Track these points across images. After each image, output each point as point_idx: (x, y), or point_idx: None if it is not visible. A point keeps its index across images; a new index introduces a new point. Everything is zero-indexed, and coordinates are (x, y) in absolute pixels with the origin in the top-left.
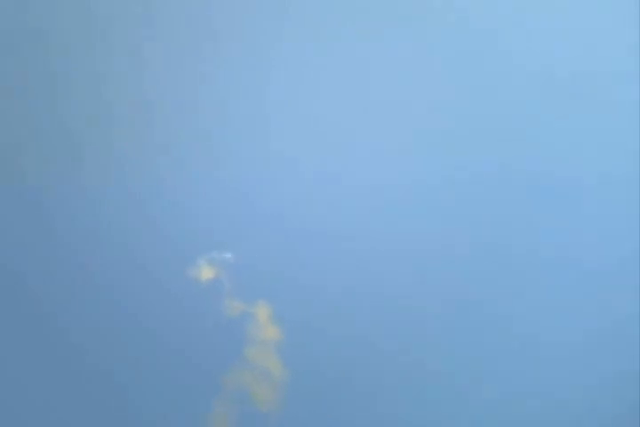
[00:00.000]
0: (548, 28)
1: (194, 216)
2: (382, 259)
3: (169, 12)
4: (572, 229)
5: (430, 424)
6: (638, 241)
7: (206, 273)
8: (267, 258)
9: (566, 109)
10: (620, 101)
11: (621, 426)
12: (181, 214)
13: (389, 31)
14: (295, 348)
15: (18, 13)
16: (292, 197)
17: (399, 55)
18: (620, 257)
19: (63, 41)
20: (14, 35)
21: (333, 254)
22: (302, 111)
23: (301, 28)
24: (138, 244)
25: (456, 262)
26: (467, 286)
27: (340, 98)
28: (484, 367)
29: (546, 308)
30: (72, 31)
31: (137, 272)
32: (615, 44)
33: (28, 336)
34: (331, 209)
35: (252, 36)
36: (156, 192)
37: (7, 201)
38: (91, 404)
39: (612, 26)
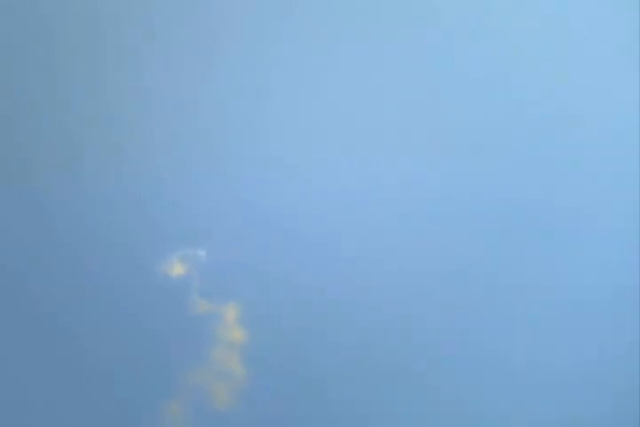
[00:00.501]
0: (551, 30)
1: (184, 214)
2: (361, 266)
3: (170, 13)
4: (571, 257)
5: None
6: (638, 267)
7: (177, 269)
8: (242, 260)
9: (568, 126)
10: (623, 126)
11: None
12: (178, 212)
13: (390, 34)
14: (260, 351)
15: (19, 14)
16: (282, 203)
17: (400, 59)
18: (619, 284)
19: (64, 41)
20: (15, 35)
21: (309, 261)
22: (301, 113)
23: (302, 29)
24: (130, 240)
25: (446, 286)
26: (453, 311)
27: (341, 100)
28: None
29: (542, 334)
30: (73, 32)
31: (111, 267)
32: (616, 49)
33: (24, 331)
34: (316, 216)
35: (252, 36)
36: (155, 192)
37: (7, 201)
38: (52, 392)
39: (613, 29)
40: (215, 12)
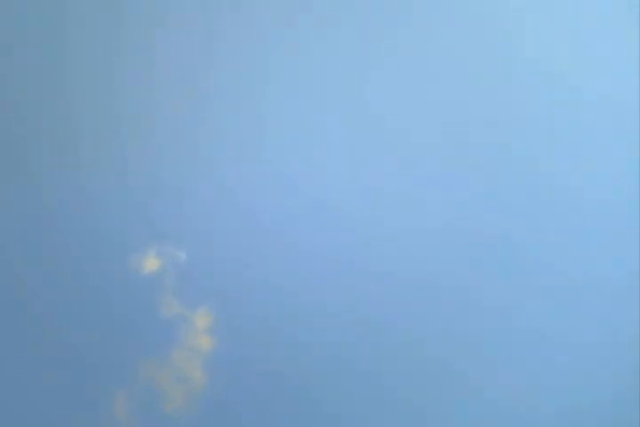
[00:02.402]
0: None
1: (172, 214)
2: (342, 274)
3: (172, 19)
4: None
5: None
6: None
7: (150, 265)
8: (222, 266)
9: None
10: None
11: None
12: (167, 212)
13: (390, 39)
14: (224, 361)
15: (23, 14)
16: (273, 213)
17: (400, 68)
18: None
19: (66, 42)
20: (17, 36)
21: (289, 272)
22: (295, 120)
23: (302, 38)
24: (113, 233)
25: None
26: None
27: (339, 107)
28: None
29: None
30: (74, 33)
31: (89, 258)
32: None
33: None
34: (302, 227)
35: (251, 43)
36: (149, 189)
37: (8, 201)
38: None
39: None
40: (218, 19)
